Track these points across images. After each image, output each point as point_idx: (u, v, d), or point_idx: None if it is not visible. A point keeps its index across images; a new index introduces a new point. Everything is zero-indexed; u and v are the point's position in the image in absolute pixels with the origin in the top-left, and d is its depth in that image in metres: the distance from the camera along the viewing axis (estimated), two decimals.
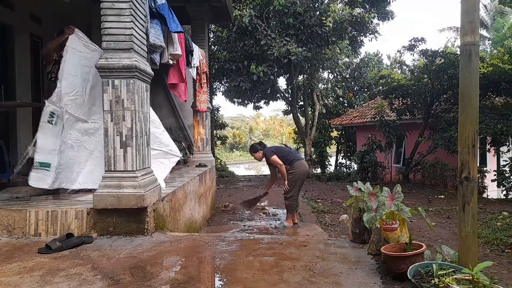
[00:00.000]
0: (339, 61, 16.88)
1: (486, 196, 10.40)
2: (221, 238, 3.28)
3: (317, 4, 13.57)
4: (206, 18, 6.68)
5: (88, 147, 3.80)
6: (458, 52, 8.42)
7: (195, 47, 5.59)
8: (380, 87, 14.54)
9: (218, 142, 19.61)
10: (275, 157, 5.57)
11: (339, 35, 12.99)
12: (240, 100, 16.96)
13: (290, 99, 16.67)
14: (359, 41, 15.62)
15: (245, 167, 33.76)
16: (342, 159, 20.50)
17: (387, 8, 14.42)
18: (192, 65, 5.51)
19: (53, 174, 3.61)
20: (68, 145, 3.69)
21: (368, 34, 15.14)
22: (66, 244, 2.80)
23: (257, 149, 5.85)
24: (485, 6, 23.12)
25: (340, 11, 13.24)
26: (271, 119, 51.59)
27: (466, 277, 1.89)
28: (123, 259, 2.62)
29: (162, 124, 4.28)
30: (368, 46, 69.76)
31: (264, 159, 5.83)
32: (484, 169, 11.07)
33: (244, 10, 11.99)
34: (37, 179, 3.55)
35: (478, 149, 2.21)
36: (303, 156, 5.80)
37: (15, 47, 6.10)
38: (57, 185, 3.67)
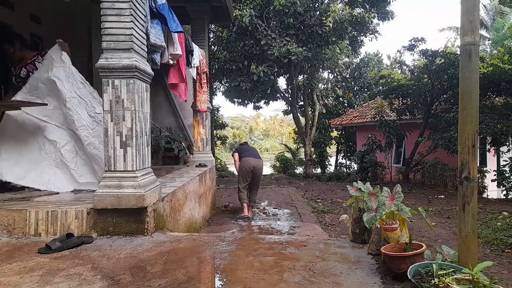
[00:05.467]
0: (339, 61, 16.89)
1: (486, 196, 10.42)
2: (221, 238, 3.28)
3: (317, 4, 13.58)
4: (206, 18, 6.68)
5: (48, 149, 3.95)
6: (458, 52, 8.43)
7: (195, 47, 5.59)
8: (380, 87, 14.54)
9: (218, 142, 19.60)
10: (234, 155, 6.59)
11: (339, 35, 13.00)
12: (240, 100, 16.96)
13: (290, 99, 16.68)
14: (359, 41, 15.64)
15: None
16: (342, 159, 20.51)
17: (387, 8, 14.43)
18: (192, 65, 5.51)
19: None
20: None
21: (368, 34, 15.15)
22: (66, 244, 2.80)
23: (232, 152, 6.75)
24: (485, 6, 23.12)
25: (340, 11, 13.25)
26: (271, 119, 51.55)
27: (466, 277, 1.89)
28: (123, 259, 2.62)
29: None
30: (368, 46, 69.81)
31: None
32: (484, 169, 11.07)
33: (244, 10, 11.99)
34: None
35: (478, 149, 2.21)
36: (256, 156, 6.50)
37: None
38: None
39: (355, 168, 16.48)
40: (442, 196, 9.38)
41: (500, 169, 10.79)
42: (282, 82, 22.86)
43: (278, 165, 19.57)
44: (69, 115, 3.86)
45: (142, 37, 3.36)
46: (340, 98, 20.73)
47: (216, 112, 17.69)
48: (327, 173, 18.45)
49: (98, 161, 3.79)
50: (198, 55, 5.78)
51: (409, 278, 2.03)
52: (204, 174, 5.85)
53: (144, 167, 3.29)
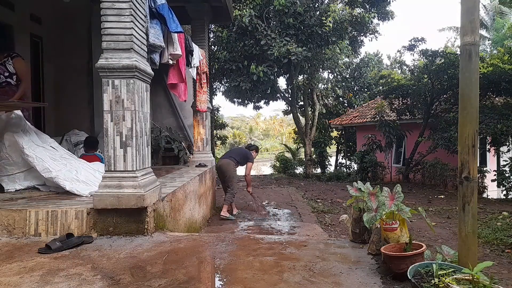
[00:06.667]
0: (339, 61, 16.88)
1: (486, 196, 10.41)
2: (221, 238, 3.28)
3: (317, 4, 13.57)
4: (206, 18, 6.68)
5: None
6: (458, 52, 8.43)
7: (195, 47, 5.59)
8: (380, 87, 14.53)
9: (218, 142, 19.59)
10: None
11: (339, 35, 12.99)
12: (240, 100, 16.95)
13: (290, 99, 16.68)
14: (359, 41, 15.63)
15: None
16: (342, 159, 20.50)
17: (387, 8, 14.42)
18: (192, 65, 5.51)
19: None
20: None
21: (368, 34, 15.15)
22: (66, 244, 2.80)
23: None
24: (484, 6, 23.09)
25: (340, 11, 13.24)
26: (271, 119, 51.51)
27: (466, 277, 1.89)
28: (123, 259, 2.62)
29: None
30: (368, 46, 69.75)
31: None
32: (484, 169, 11.07)
33: (244, 10, 11.99)
34: None
35: (478, 149, 2.21)
36: (230, 156, 6.86)
37: (15, 47, 6.10)
38: None
39: (355, 168, 16.46)
40: (442, 196, 9.38)
41: (500, 169, 10.79)
42: (282, 82, 22.84)
43: (278, 165, 19.56)
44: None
45: (142, 37, 3.36)
46: (340, 98, 20.72)
47: (216, 112, 17.67)
48: (327, 173, 18.45)
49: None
50: (198, 55, 5.78)
51: (409, 278, 2.03)
52: (204, 174, 5.85)
53: (144, 167, 3.29)
